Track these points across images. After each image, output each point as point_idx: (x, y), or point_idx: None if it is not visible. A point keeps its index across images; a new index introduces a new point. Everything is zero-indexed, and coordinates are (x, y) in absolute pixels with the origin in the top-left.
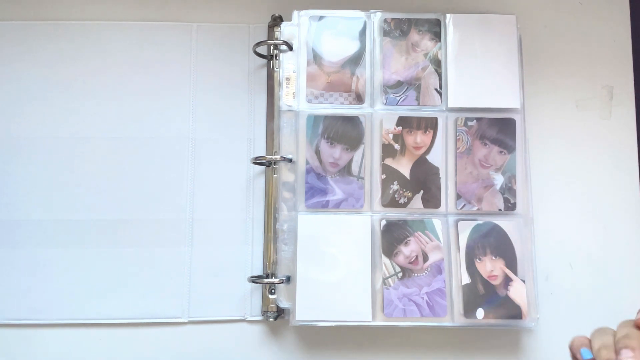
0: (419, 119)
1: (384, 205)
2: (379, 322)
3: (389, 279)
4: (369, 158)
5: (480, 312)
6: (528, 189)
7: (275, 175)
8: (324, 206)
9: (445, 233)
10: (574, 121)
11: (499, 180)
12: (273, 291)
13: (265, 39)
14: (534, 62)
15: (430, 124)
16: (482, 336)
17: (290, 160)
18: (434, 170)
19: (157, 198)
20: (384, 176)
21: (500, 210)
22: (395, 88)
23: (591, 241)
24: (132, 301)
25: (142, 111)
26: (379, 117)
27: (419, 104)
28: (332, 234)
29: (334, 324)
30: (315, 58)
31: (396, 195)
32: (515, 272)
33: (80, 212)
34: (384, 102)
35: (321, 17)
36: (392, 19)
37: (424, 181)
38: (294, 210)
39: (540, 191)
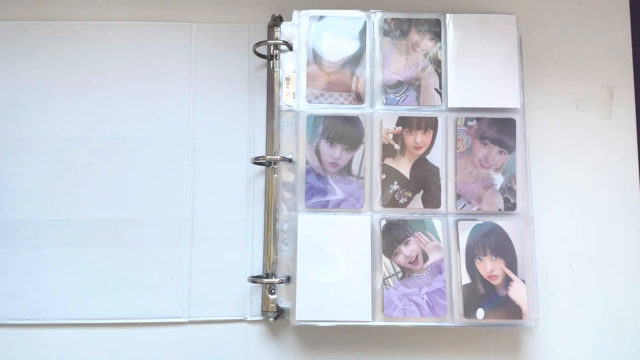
0: (419, 119)
1: (384, 205)
2: (379, 322)
3: (389, 279)
4: (369, 158)
5: (480, 312)
6: (528, 189)
7: (275, 175)
8: (324, 206)
9: (445, 233)
10: (574, 121)
11: (499, 180)
12: (273, 291)
13: (265, 39)
14: (534, 62)
15: (430, 124)
16: (482, 336)
17: (290, 160)
18: (434, 170)
19: (157, 198)
20: (384, 176)
21: (500, 210)
22: (395, 88)
23: (591, 241)
24: (132, 301)
25: (142, 111)
26: (379, 117)
27: (419, 104)
28: (332, 234)
29: (334, 324)
30: (315, 58)
31: (396, 195)
32: (515, 272)
33: (80, 212)
34: (384, 102)
35: (321, 17)
36: (392, 19)
37: (424, 181)
38: (294, 210)
39: (540, 191)
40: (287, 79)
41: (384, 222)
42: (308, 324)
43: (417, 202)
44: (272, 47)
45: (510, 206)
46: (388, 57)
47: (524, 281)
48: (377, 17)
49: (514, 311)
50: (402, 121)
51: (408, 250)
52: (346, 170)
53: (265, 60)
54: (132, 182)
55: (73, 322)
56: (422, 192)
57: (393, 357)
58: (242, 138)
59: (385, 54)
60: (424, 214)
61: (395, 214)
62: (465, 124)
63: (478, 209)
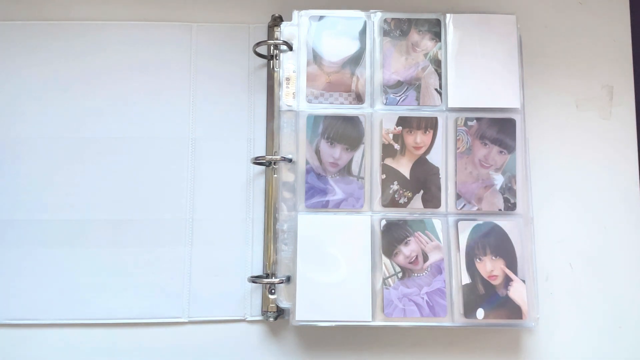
0: (419, 119)
1: (384, 205)
2: (379, 322)
3: (389, 279)
4: (369, 158)
5: (480, 312)
6: (528, 189)
7: (275, 175)
8: (324, 206)
9: (445, 233)
10: (574, 121)
11: (499, 180)
12: (273, 291)
13: (265, 39)
14: (534, 62)
15: (430, 124)
16: (482, 336)
17: (290, 160)
18: (434, 170)
19: (157, 198)
20: (384, 176)
21: (500, 210)
22: (395, 88)
23: (591, 241)
24: (132, 301)
25: (142, 111)
26: (379, 117)
27: (419, 104)
28: (332, 234)
29: (334, 324)
30: (315, 58)
31: (396, 195)
32: (515, 272)
33: (80, 212)
34: (384, 102)
35: (321, 17)
36: (392, 19)
37: (424, 181)
38: (294, 210)
39: (540, 191)
40: (287, 79)
41: (384, 222)
42: (308, 324)
43: (417, 202)
44: (272, 47)
45: (510, 206)
46: (388, 57)
47: (524, 281)
48: (377, 17)
49: (514, 311)
50: (402, 121)
51: (408, 250)
52: (346, 170)
53: (265, 60)
54: (132, 182)
55: (73, 322)
56: (422, 192)
57: (393, 357)
58: (242, 138)
59: (385, 54)
60: (424, 214)
61: (395, 214)
62: (465, 124)
63: (478, 209)
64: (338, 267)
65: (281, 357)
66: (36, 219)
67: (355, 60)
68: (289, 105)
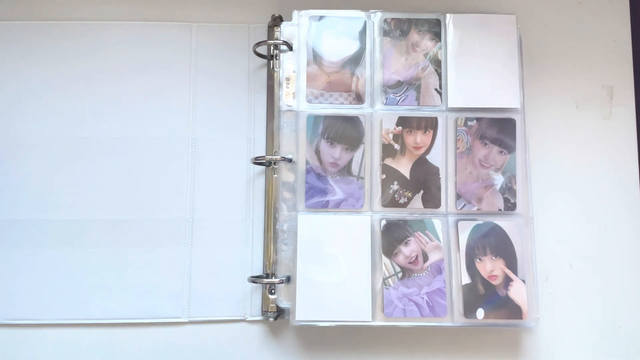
0: (419, 119)
1: (384, 205)
2: (379, 322)
3: (389, 279)
4: (369, 158)
5: (480, 312)
6: (528, 189)
7: (275, 175)
8: (324, 206)
9: (445, 233)
10: (574, 121)
11: (499, 180)
12: (273, 291)
13: (265, 39)
14: (534, 62)
15: (430, 124)
16: (482, 336)
17: (290, 160)
18: (434, 170)
19: (157, 198)
20: (384, 176)
21: (500, 210)
22: (395, 88)
23: (591, 241)
24: (132, 301)
25: (142, 111)
26: (379, 117)
27: (419, 104)
28: (332, 234)
29: (334, 324)
30: (315, 58)
31: (396, 195)
32: (515, 272)
33: (80, 212)
34: (384, 102)
35: (321, 17)
36: (392, 19)
37: (424, 181)
38: (294, 210)
39: (540, 191)
40: (287, 79)
41: (384, 222)
42: (308, 324)
43: (417, 202)
44: (272, 47)
45: (510, 206)
46: (388, 57)
47: (524, 281)
48: (377, 17)
49: (514, 311)
50: (402, 121)
51: (408, 250)
52: (346, 170)
53: (265, 60)
54: (132, 182)
55: (73, 322)
56: (422, 192)
57: (393, 357)
58: (242, 138)
59: (385, 54)
60: (424, 214)
61: (395, 214)
62: (465, 124)
63: (478, 209)
64: (338, 267)
65: (281, 357)
66: (36, 219)
67: (355, 60)
68: (289, 105)
